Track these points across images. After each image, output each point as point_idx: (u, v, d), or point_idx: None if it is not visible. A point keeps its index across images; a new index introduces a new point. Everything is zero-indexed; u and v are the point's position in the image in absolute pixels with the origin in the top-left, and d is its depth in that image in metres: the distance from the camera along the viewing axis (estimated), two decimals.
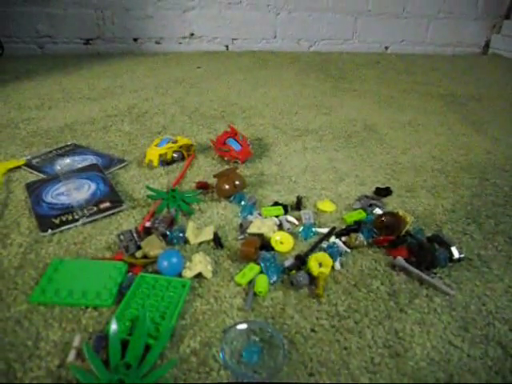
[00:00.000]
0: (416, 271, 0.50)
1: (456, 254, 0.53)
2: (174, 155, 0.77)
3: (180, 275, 0.48)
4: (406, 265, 0.51)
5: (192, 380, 0.37)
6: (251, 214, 0.61)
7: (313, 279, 0.48)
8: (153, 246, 0.51)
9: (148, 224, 0.56)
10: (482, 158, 0.86)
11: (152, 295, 0.44)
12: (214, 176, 0.67)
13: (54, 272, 0.48)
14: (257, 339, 0.40)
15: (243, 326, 0.41)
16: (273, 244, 0.54)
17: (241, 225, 0.58)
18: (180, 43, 1.85)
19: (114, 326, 0.39)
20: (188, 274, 0.48)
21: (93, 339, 0.39)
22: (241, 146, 0.78)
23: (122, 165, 0.76)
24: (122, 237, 0.52)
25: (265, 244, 0.54)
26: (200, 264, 0.48)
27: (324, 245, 0.54)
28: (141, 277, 0.47)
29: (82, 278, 0.47)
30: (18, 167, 0.75)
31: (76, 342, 0.38)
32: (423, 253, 0.52)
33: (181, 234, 0.55)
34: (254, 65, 1.65)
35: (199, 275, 0.48)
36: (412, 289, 0.48)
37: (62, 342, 0.39)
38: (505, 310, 0.46)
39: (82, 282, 0.46)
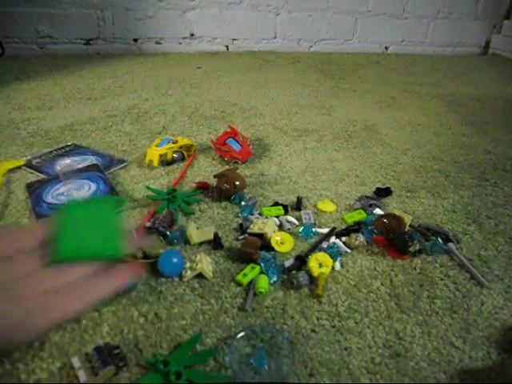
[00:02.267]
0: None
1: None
2: (175, 155, 0.77)
3: (180, 275, 0.48)
4: None
5: None
6: (251, 214, 0.61)
7: (313, 279, 0.48)
8: (153, 246, 0.51)
9: (148, 224, 0.56)
10: (482, 157, 0.86)
11: (85, 222, 0.37)
12: (214, 176, 0.67)
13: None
14: (259, 343, 0.40)
15: (243, 333, 0.41)
16: (273, 244, 0.54)
17: (241, 225, 0.58)
18: (180, 43, 1.85)
19: None
20: (188, 274, 0.48)
21: (92, 353, 0.37)
22: (241, 146, 0.78)
23: (123, 165, 0.76)
24: None
25: (265, 244, 0.54)
26: (200, 264, 0.48)
27: (324, 245, 0.55)
28: (67, 207, 0.39)
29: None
30: (19, 167, 0.75)
31: (76, 363, 0.37)
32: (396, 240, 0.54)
33: (181, 234, 0.55)
34: (254, 65, 1.65)
35: (200, 275, 0.48)
36: (413, 291, 0.48)
37: (63, 342, 0.39)
38: (503, 311, 0.46)
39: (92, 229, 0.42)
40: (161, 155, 0.75)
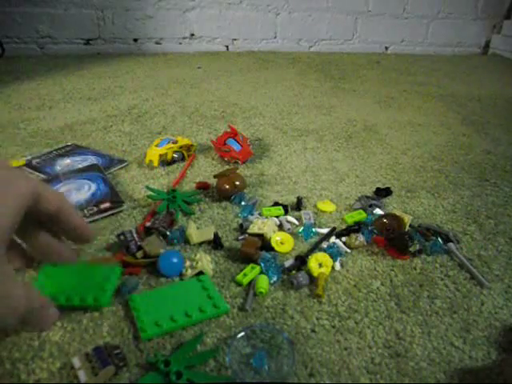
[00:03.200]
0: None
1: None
2: (175, 155, 0.77)
3: (180, 275, 0.48)
4: None
5: None
6: (251, 214, 0.61)
7: (313, 279, 0.48)
8: (153, 246, 0.51)
9: (148, 224, 0.56)
10: (482, 157, 0.86)
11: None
12: (215, 176, 0.67)
13: (49, 273, 0.47)
14: (259, 343, 0.40)
15: (243, 333, 0.41)
16: (273, 244, 0.54)
17: (241, 225, 0.58)
18: (180, 43, 1.85)
19: None
20: (189, 272, 0.48)
21: (91, 353, 0.37)
22: (241, 146, 0.78)
23: (123, 165, 0.76)
24: (122, 237, 0.52)
25: (265, 244, 0.54)
26: (201, 262, 0.48)
27: (324, 245, 0.55)
28: None
29: (77, 279, 0.46)
30: (19, 167, 0.75)
31: (76, 363, 0.37)
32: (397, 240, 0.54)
33: (181, 234, 0.55)
34: (254, 65, 1.65)
35: (200, 275, 0.48)
36: (413, 291, 0.48)
37: (63, 342, 0.39)
38: (503, 311, 0.46)
39: (76, 283, 0.45)
40: (161, 155, 0.75)
